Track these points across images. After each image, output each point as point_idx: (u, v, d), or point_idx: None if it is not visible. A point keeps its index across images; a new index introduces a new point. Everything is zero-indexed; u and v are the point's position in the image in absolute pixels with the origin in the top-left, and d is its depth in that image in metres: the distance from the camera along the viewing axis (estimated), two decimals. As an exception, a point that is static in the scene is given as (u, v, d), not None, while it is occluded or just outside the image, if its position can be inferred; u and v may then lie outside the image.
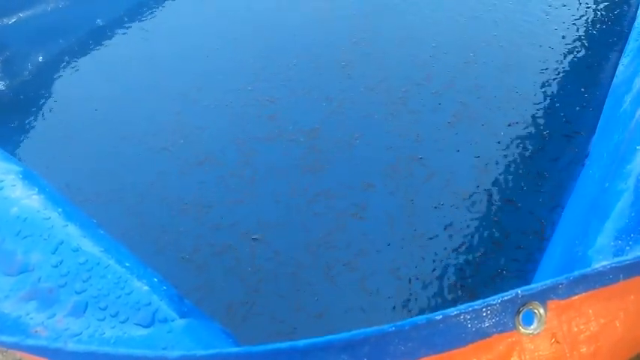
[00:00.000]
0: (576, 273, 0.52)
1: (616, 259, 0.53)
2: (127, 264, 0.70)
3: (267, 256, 1.25)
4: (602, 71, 1.77)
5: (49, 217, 0.75)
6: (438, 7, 2.09)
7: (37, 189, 0.80)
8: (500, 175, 1.42)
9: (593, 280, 0.53)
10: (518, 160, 1.45)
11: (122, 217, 1.38)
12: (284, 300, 1.17)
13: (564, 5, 2.09)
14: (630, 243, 0.70)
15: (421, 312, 1.13)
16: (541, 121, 1.58)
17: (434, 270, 1.20)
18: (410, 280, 1.19)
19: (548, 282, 0.51)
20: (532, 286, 0.52)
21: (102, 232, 0.78)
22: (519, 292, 0.51)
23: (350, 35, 1.96)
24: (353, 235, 1.29)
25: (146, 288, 0.67)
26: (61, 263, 0.70)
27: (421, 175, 1.42)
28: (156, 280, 0.70)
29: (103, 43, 2.10)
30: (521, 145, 1.50)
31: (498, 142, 1.51)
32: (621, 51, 1.62)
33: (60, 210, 0.77)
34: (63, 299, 0.67)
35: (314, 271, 1.22)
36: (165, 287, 0.69)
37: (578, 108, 1.62)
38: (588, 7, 2.08)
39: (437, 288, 1.17)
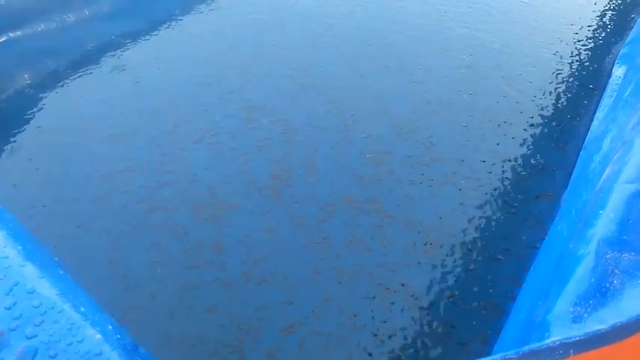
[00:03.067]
0: (526, 348, 0.52)
1: (566, 336, 0.53)
2: (82, 309, 0.69)
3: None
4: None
5: (7, 256, 0.73)
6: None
7: (-1, 225, 0.79)
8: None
9: (543, 355, 0.53)
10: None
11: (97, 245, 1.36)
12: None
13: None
14: (588, 310, 0.71)
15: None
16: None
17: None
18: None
19: (498, 356, 0.52)
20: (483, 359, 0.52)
21: (62, 272, 0.77)
22: (469, 365, 0.51)
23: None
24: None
25: (99, 337, 0.65)
26: (14, 305, 0.68)
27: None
28: (110, 327, 0.68)
29: (92, 66, 2.11)
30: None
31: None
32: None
33: (20, 248, 0.76)
34: (13, 344, 0.65)
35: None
36: (119, 335, 0.68)
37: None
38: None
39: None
